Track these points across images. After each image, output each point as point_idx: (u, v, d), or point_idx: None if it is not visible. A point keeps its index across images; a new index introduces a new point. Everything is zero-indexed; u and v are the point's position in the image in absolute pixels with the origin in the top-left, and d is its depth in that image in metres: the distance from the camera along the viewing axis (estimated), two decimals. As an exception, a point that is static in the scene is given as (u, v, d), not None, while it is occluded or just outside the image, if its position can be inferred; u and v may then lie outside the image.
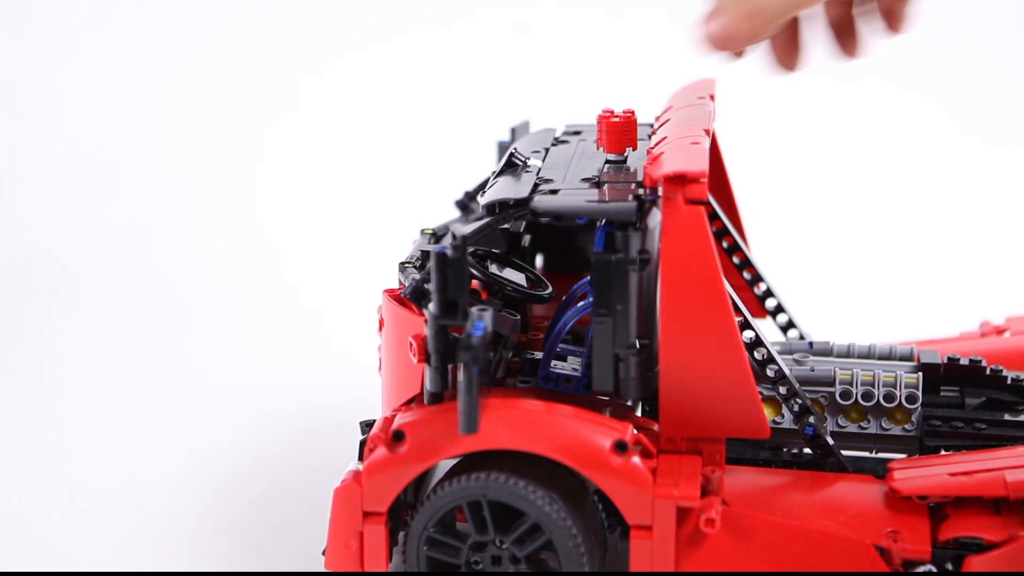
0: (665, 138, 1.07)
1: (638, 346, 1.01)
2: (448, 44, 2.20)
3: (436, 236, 1.19)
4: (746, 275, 1.25)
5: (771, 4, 1.00)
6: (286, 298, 1.71)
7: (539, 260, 1.32)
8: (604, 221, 1.01)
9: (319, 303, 1.69)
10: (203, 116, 2.09)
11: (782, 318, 1.26)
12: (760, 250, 1.32)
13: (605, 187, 1.05)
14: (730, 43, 1.02)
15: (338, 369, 1.48)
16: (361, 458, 1.04)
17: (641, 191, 1.02)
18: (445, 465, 1.08)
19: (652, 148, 1.06)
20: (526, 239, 1.23)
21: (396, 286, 1.12)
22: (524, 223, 1.20)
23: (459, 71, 2.17)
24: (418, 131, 2.07)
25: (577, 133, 1.24)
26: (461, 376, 0.94)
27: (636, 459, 0.99)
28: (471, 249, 1.11)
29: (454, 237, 0.99)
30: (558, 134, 1.25)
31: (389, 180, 1.99)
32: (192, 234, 1.88)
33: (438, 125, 2.07)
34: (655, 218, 1.03)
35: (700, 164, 0.98)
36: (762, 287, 1.25)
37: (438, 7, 2.22)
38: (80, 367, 1.53)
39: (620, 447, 0.99)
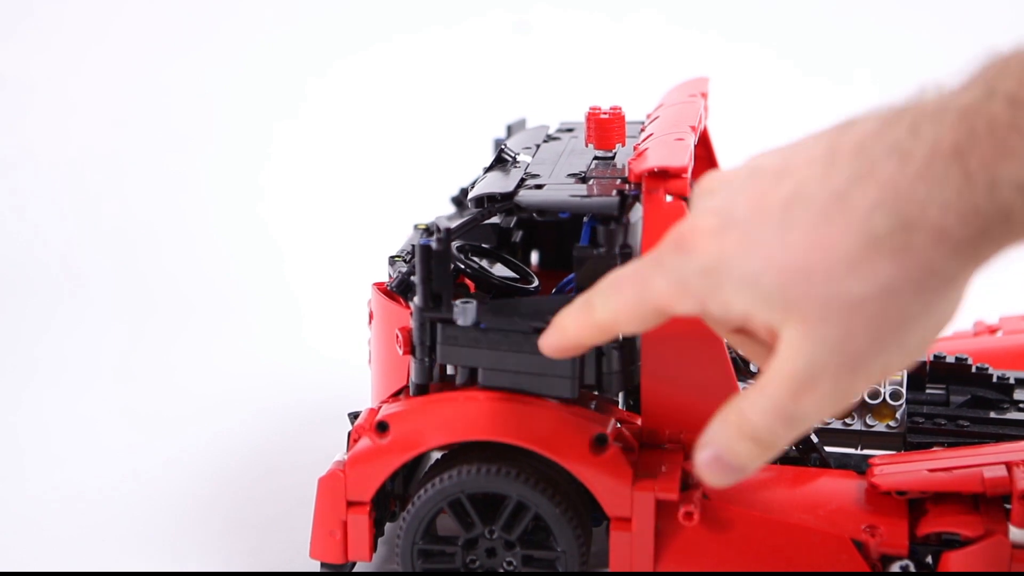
0: (652, 134, 1.08)
1: (620, 340, 1.02)
2: (446, 44, 2.22)
3: (428, 231, 1.20)
4: (736, 272, 1.25)
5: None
6: (285, 292, 1.73)
7: (534, 257, 1.33)
8: (589, 216, 1.03)
9: (318, 297, 1.70)
10: (205, 118, 2.11)
11: (772, 315, 1.26)
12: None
13: (590, 182, 1.06)
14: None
15: (334, 362, 1.50)
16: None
17: (625, 186, 1.03)
18: (436, 456, 1.09)
19: (638, 144, 1.07)
20: (518, 234, 1.24)
21: (386, 279, 1.13)
22: (515, 218, 1.21)
23: (458, 70, 2.19)
24: (419, 129, 2.09)
25: (570, 130, 1.25)
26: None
27: (616, 453, 1.00)
28: (460, 243, 1.12)
29: (438, 231, 1.00)
30: (552, 131, 1.26)
31: (390, 177, 2.01)
32: (192, 232, 1.90)
33: (438, 123, 2.08)
34: (638, 212, 1.03)
35: (682, 159, 0.99)
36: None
37: (435, 8, 2.23)
38: (78, 364, 1.55)
39: (600, 440, 1.00)
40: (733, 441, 0.83)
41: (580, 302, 0.90)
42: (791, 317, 0.78)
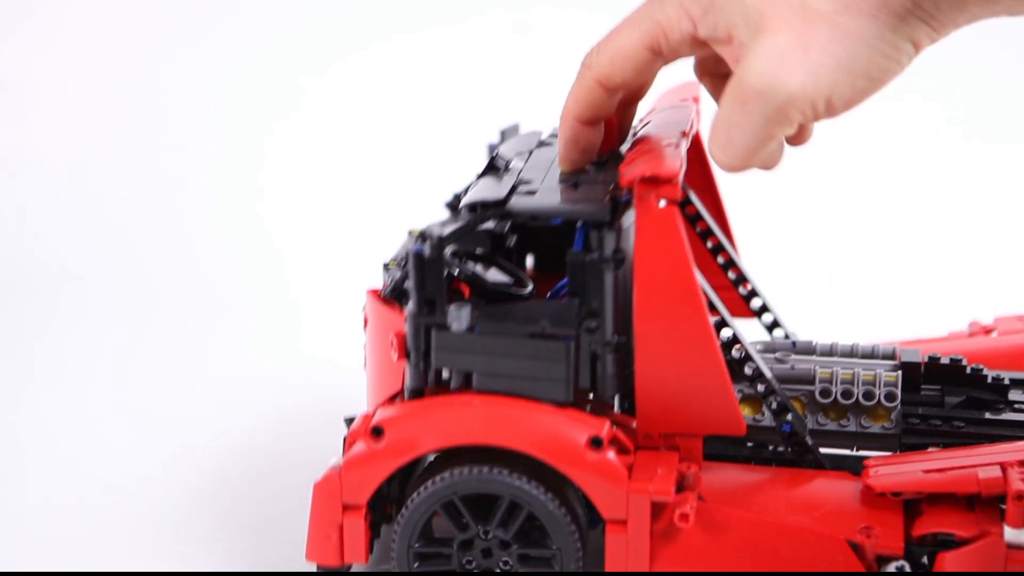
0: (643, 140, 1.08)
1: (615, 343, 1.02)
2: (446, 44, 2.22)
3: (422, 237, 1.20)
4: (731, 275, 1.25)
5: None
6: (284, 293, 1.74)
7: (529, 260, 1.33)
8: (581, 221, 1.03)
9: (317, 298, 1.71)
10: (204, 119, 2.11)
11: (767, 317, 1.27)
12: (751, 250, 1.32)
13: (581, 188, 1.07)
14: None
15: (332, 363, 1.50)
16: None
17: (616, 192, 1.04)
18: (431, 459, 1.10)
19: (629, 150, 1.08)
20: (512, 239, 1.24)
21: (381, 286, 1.14)
22: (509, 223, 1.21)
23: (457, 70, 2.19)
24: (418, 127, 2.09)
25: (563, 135, 1.25)
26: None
27: (611, 455, 1.00)
28: (454, 248, 1.12)
29: (431, 237, 1.01)
30: (544, 136, 1.26)
31: (390, 175, 2.01)
32: (191, 233, 1.90)
33: (438, 122, 2.08)
34: (631, 218, 1.04)
35: (673, 165, 0.99)
36: (747, 287, 1.26)
37: (435, 8, 2.23)
38: (78, 364, 1.56)
39: (595, 443, 1.00)
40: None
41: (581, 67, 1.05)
42: (762, 27, 0.93)
